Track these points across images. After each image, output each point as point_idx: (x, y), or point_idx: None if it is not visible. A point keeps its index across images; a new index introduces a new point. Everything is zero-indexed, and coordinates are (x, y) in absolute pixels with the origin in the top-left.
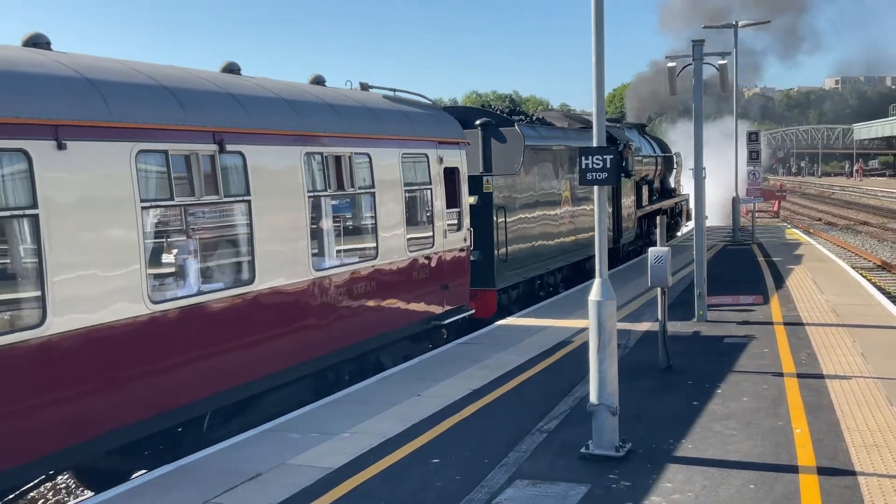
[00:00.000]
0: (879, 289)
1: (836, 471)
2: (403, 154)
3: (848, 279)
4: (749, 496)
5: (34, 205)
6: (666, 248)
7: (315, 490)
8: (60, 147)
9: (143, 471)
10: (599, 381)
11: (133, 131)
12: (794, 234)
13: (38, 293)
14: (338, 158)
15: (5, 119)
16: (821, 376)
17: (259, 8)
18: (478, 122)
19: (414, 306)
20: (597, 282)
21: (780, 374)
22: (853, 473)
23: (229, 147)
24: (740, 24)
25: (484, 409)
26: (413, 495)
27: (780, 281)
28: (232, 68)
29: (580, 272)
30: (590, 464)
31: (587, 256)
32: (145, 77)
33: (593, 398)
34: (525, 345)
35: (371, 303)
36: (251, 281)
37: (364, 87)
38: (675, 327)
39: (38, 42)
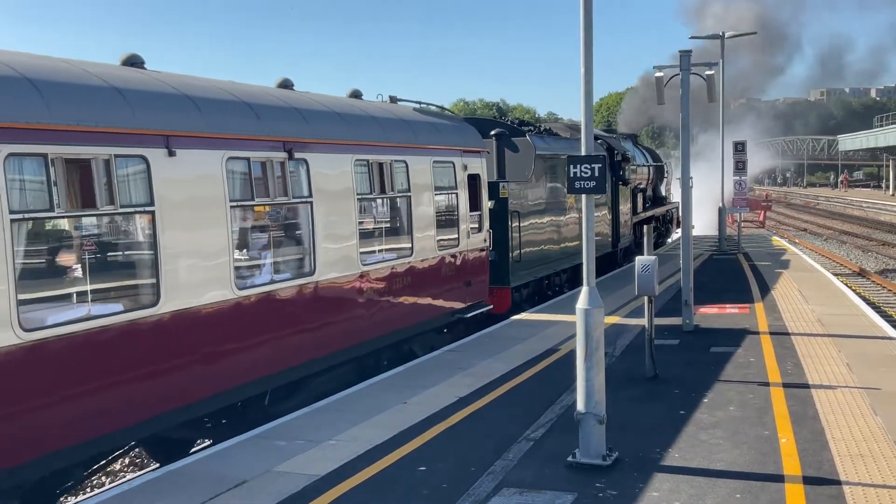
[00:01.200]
0: (864, 299)
1: (821, 480)
2: (434, 161)
3: (833, 289)
4: None
5: (151, 202)
6: (653, 257)
7: (301, 497)
8: (171, 154)
9: (207, 441)
10: (587, 390)
11: (224, 141)
12: (779, 243)
13: (154, 280)
14: (381, 165)
15: (129, 130)
16: (806, 386)
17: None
18: (493, 133)
19: (442, 300)
20: (584, 290)
21: (766, 384)
22: (839, 483)
23: (296, 155)
24: (727, 35)
25: (471, 417)
26: (399, 501)
27: (765, 290)
28: (287, 84)
29: (577, 278)
30: (577, 472)
31: (579, 263)
32: (227, 93)
33: (580, 406)
34: (512, 353)
35: (406, 296)
36: (312, 273)
37: (393, 99)
38: (662, 336)
39: (134, 62)
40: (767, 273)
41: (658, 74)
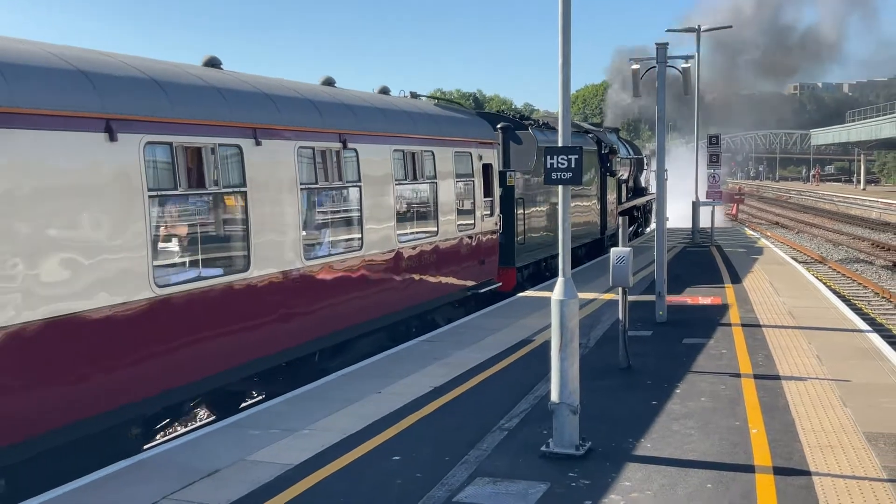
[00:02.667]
0: (835, 292)
1: (791, 471)
2: (455, 152)
3: (804, 282)
4: (706, 495)
5: (244, 184)
6: (628, 249)
7: (274, 487)
8: (258, 143)
9: (259, 394)
10: (561, 380)
11: (295, 133)
12: (752, 236)
13: (246, 249)
14: (413, 154)
15: (228, 123)
16: (777, 377)
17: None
18: (499, 126)
19: (460, 276)
20: (559, 281)
21: (738, 375)
22: (808, 473)
23: (349, 145)
24: (703, 28)
25: (445, 407)
26: (373, 492)
27: (737, 283)
28: (329, 81)
29: (574, 257)
30: (550, 462)
31: (580, 244)
32: (294, 91)
33: (554, 397)
34: (487, 343)
35: (432, 271)
36: (360, 248)
37: (414, 95)
38: (635, 327)
39: (214, 63)
40: (740, 265)
41: (634, 67)
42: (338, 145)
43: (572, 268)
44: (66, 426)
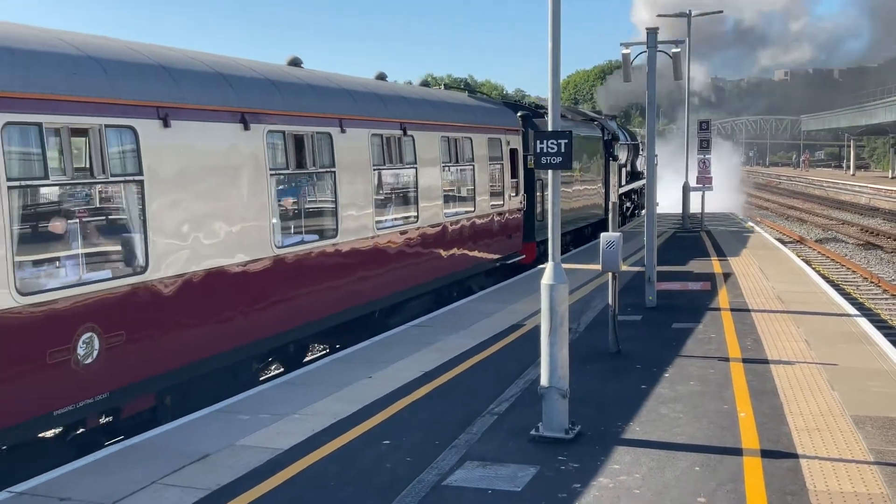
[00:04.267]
0: (823, 277)
1: (779, 453)
2: (488, 138)
3: (793, 266)
4: (694, 477)
5: (333, 165)
6: (618, 234)
7: (264, 471)
8: (343, 131)
9: (323, 348)
10: (550, 365)
11: (369, 122)
12: (741, 221)
13: (335, 224)
14: (456, 140)
15: (321, 114)
16: (765, 361)
17: None
18: (520, 114)
19: (491, 248)
20: (549, 265)
21: (727, 359)
22: (796, 456)
23: (408, 132)
24: (693, 13)
25: (435, 392)
26: (363, 476)
27: (727, 268)
28: (382, 76)
29: (581, 236)
30: (539, 446)
31: (587, 224)
32: (363, 86)
33: (544, 381)
34: (477, 328)
35: (469, 243)
36: (416, 221)
37: (447, 87)
38: (625, 312)
39: (296, 62)
40: (730, 251)
41: (625, 52)
42: (399, 132)
43: (577, 245)
44: (212, 356)
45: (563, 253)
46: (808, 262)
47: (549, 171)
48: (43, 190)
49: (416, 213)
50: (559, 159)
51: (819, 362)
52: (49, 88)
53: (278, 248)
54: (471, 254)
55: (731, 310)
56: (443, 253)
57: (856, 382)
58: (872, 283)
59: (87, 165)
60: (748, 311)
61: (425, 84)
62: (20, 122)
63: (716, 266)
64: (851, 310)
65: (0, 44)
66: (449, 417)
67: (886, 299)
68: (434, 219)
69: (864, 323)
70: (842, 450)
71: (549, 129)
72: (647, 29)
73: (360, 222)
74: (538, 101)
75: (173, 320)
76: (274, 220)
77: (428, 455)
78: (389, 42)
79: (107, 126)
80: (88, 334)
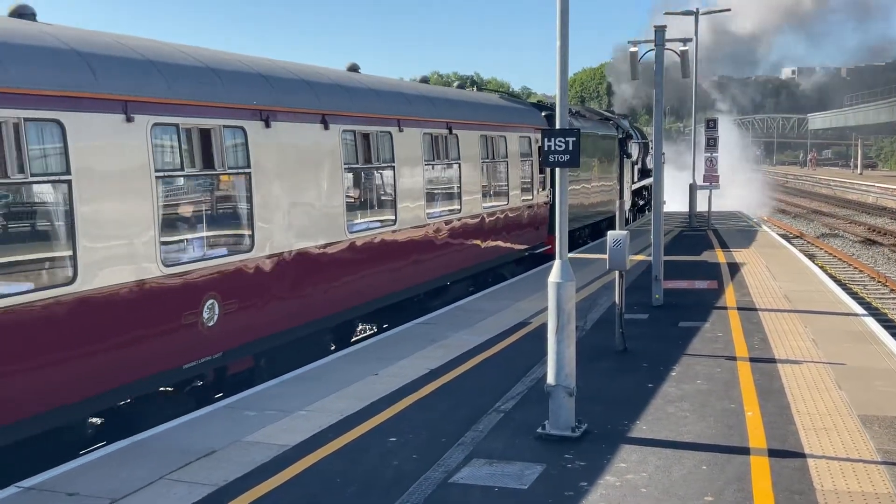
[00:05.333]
0: (831, 276)
1: (786, 453)
2: (519, 136)
3: (800, 266)
4: (701, 476)
5: (393, 161)
6: (625, 232)
7: (270, 468)
8: (401, 130)
9: (370, 327)
10: (557, 363)
11: (421, 122)
12: (748, 220)
13: (394, 212)
14: (492, 138)
15: (384, 115)
16: (773, 360)
17: None
18: (544, 114)
19: (521, 239)
20: (556, 263)
21: (734, 358)
22: (803, 456)
23: (454, 131)
24: (701, 11)
25: (442, 389)
26: (370, 473)
27: (734, 267)
28: (425, 79)
29: (597, 230)
30: (546, 444)
31: (603, 218)
32: (414, 90)
33: (550, 379)
34: (484, 325)
35: (503, 233)
36: (458, 212)
37: (480, 88)
38: (632, 310)
39: (355, 68)
40: (736, 249)
41: (632, 49)
42: (445, 131)
43: (593, 239)
44: (297, 326)
45: (580, 245)
46: (812, 259)
47: (557, 170)
48: (178, 179)
49: (459, 205)
50: (567, 157)
51: (826, 361)
52: (184, 95)
53: (350, 233)
54: (504, 243)
55: (738, 308)
56: (480, 241)
57: (863, 382)
58: (879, 282)
59: (209, 160)
60: (755, 309)
61: (461, 86)
62: (164, 123)
63: (723, 265)
64: (859, 309)
65: (154, 59)
66: (455, 415)
67: (894, 299)
68: (474, 210)
69: (871, 322)
70: (849, 449)
71: (557, 126)
72: (654, 27)
73: (414, 213)
74: (545, 98)
75: (270, 293)
76: (346, 209)
77: (434, 452)
78: (393, 39)
79: (223, 126)
80: (211, 301)
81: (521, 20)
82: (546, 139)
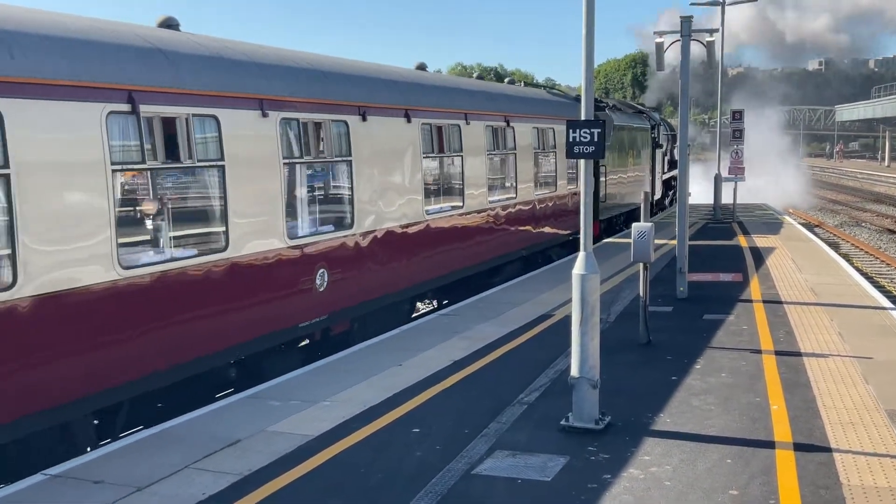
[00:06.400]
0: (857, 269)
1: (812, 447)
2: (535, 127)
3: (826, 259)
4: (726, 470)
5: (461, 150)
6: (650, 224)
7: (294, 457)
8: (468, 123)
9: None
10: (581, 355)
11: (484, 115)
12: (773, 212)
13: (461, 195)
14: (543, 130)
15: (455, 110)
16: (798, 354)
17: None
18: None
19: (566, 224)
20: (581, 255)
21: (759, 351)
22: (829, 450)
23: (511, 123)
24: (728, 2)
25: (465, 380)
26: (393, 464)
27: (759, 259)
28: (482, 76)
29: (631, 217)
30: (569, 436)
31: (637, 207)
32: (474, 85)
33: (574, 371)
34: (507, 317)
35: (551, 219)
36: (514, 198)
37: (527, 83)
38: (656, 303)
39: (422, 67)
40: (761, 242)
41: (658, 40)
42: (503, 123)
43: (628, 225)
44: (384, 295)
45: (615, 231)
46: (838, 251)
47: (581, 161)
48: (299, 165)
49: (514, 192)
50: (591, 149)
51: (853, 355)
52: (304, 94)
53: (427, 215)
54: (552, 228)
55: (764, 301)
56: (532, 226)
57: (891, 376)
58: None
59: (321, 150)
60: (780, 302)
61: (511, 82)
62: (288, 118)
63: (747, 256)
64: (886, 302)
65: (278, 64)
66: (478, 406)
67: None
68: (527, 197)
69: None
70: (876, 444)
71: (583, 117)
72: (681, 17)
73: (478, 198)
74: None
75: (364, 265)
76: (423, 193)
77: (458, 443)
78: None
79: (331, 121)
80: (322, 269)
81: (544, 10)
82: (571, 130)
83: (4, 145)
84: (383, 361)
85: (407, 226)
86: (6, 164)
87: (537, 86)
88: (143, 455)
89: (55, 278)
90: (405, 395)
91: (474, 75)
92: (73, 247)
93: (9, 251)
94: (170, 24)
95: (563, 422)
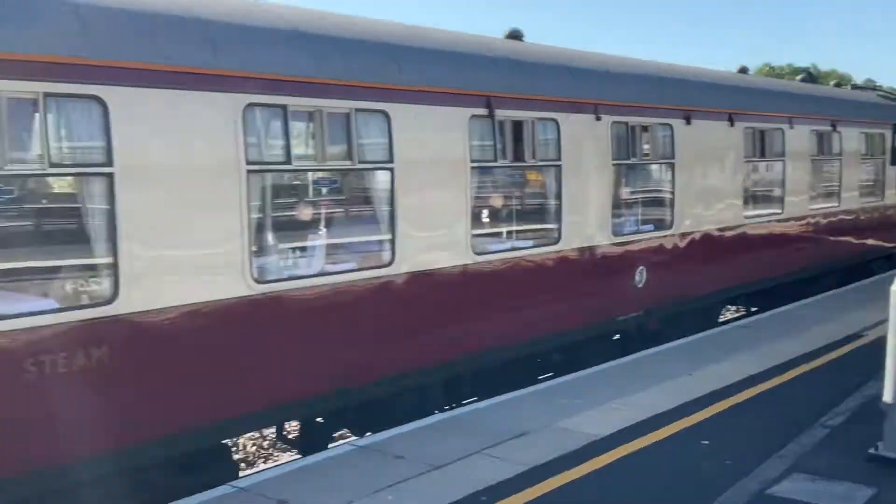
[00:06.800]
0: None
1: None
2: (862, 132)
3: None
4: None
5: (783, 154)
6: None
7: (580, 454)
8: (791, 127)
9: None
10: None
11: (808, 119)
12: None
13: (780, 206)
14: (871, 135)
15: (777, 114)
16: None
17: None
18: None
19: (891, 236)
20: None
21: None
22: None
23: (837, 128)
24: None
25: (759, 397)
26: (679, 474)
27: None
28: (809, 77)
29: None
30: (879, 466)
31: None
32: (798, 88)
33: (888, 397)
34: (807, 334)
35: (876, 229)
36: (837, 206)
37: (742, 70)
38: None
39: (744, 69)
40: None
41: None
42: (829, 128)
43: None
44: (697, 297)
45: None
46: None
47: None
48: (625, 166)
49: (837, 201)
50: None
51: None
52: (634, 99)
53: (745, 219)
54: (875, 241)
55: None
56: (853, 237)
57: None
58: None
59: (644, 152)
60: None
61: (742, 71)
62: (618, 122)
63: None
64: None
65: (611, 70)
66: (774, 425)
67: None
68: (851, 206)
69: None
70: None
71: None
72: None
73: (799, 205)
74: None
75: (680, 266)
76: (742, 197)
77: (749, 461)
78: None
79: (657, 124)
80: (641, 266)
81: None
82: None
83: (391, 145)
84: (672, 369)
85: (724, 229)
86: (391, 160)
87: (863, 88)
88: (440, 436)
89: (421, 261)
90: (695, 405)
91: (797, 78)
92: (437, 233)
93: (390, 236)
94: (515, 35)
95: (871, 450)
